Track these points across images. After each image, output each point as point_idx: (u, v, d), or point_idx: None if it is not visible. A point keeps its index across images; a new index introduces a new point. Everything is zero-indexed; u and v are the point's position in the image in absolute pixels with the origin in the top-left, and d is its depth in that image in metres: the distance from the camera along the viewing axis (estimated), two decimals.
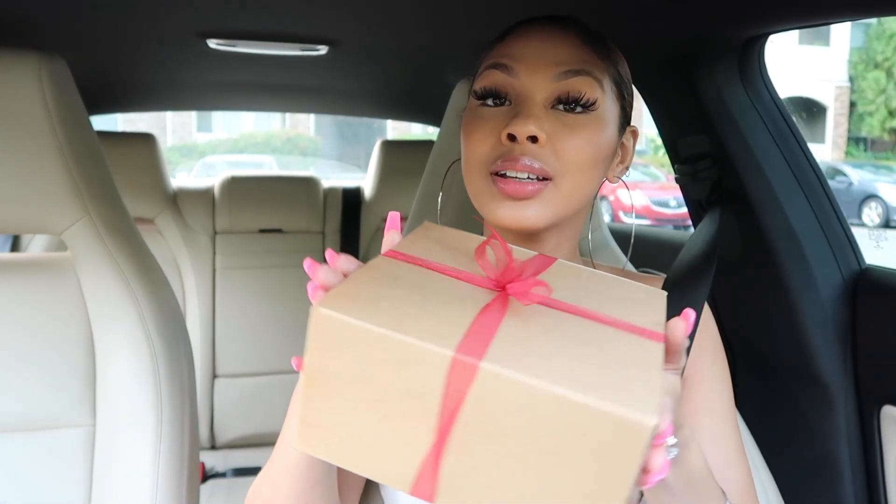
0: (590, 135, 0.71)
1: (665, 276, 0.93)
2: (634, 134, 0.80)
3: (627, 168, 0.80)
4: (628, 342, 0.53)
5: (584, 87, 0.71)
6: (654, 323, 0.56)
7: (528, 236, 0.75)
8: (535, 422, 0.48)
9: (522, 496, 0.49)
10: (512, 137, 0.70)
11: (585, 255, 0.86)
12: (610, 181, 0.79)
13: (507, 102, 0.73)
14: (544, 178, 0.70)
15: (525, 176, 0.70)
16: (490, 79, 0.73)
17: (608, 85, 0.74)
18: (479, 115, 0.73)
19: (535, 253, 0.63)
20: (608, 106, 0.74)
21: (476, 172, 0.73)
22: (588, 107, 0.71)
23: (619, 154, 0.79)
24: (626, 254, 0.90)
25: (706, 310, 0.84)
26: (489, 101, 0.73)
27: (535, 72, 0.71)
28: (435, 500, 0.51)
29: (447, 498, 0.51)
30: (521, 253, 0.64)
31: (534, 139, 0.69)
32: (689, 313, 0.55)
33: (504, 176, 0.70)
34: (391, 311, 0.52)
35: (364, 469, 0.53)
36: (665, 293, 0.61)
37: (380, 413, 0.51)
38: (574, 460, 0.47)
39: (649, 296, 0.60)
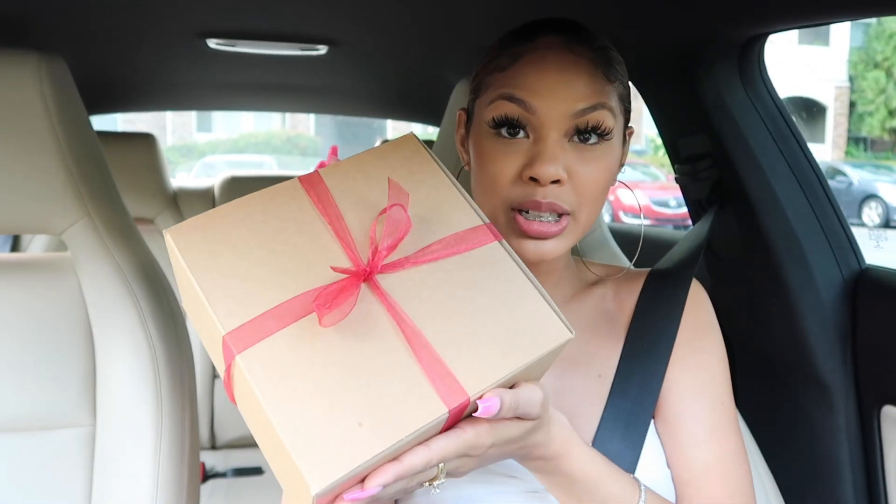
0: (605, 163, 0.74)
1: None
2: (631, 133, 0.82)
3: (623, 165, 0.81)
4: (416, 389, 0.55)
5: (601, 119, 0.73)
6: (482, 377, 0.57)
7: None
8: (263, 422, 0.53)
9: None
10: (534, 179, 0.71)
11: (576, 253, 0.87)
12: (612, 184, 0.81)
13: (521, 132, 0.73)
14: (563, 214, 0.73)
15: (548, 216, 0.72)
16: (504, 110, 0.73)
17: (617, 106, 0.75)
18: (496, 146, 0.74)
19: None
20: (617, 129, 0.76)
21: (496, 205, 0.74)
22: (604, 136, 0.73)
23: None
24: (633, 255, 0.90)
25: (702, 292, 0.86)
26: (504, 132, 0.74)
27: (553, 108, 0.72)
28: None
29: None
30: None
31: (556, 181, 0.71)
32: (486, 408, 0.56)
33: (526, 212, 0.72)
34: (222, 263, 0.56)
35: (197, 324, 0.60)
36: (564, 338, 0.61)
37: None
38: (277, 467, 0.55)
39: (541, 332, 0.61)
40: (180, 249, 0.56)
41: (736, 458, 0.78)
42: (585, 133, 0.73)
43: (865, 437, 1.20)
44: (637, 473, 0.75)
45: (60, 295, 1.01)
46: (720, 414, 0.79)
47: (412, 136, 0.67)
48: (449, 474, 0.59)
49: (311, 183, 0.63)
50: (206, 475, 2.46)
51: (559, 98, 0.72)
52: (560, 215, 0.72)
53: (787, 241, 1.21)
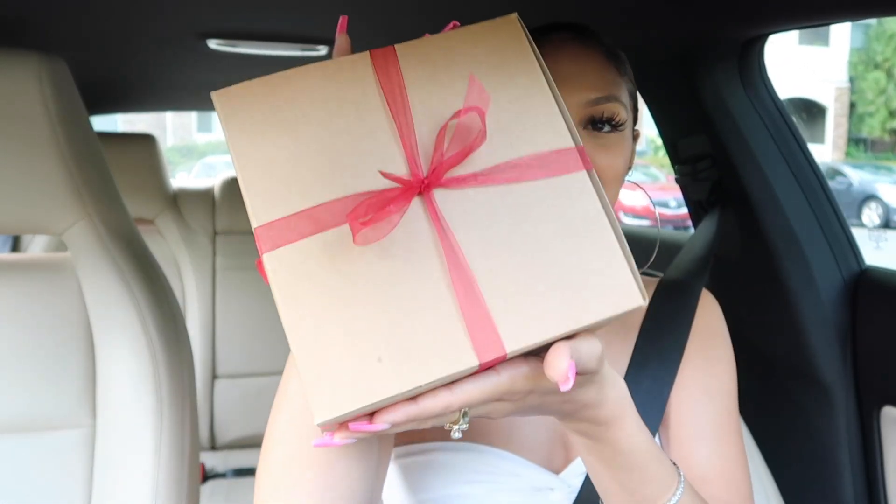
0: (620, 151, 0.75)
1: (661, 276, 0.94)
2: (637, 136, 0.83)
3: (630, 168, 0.82)
4: (446, 335, 0.47)
5: (614, 110, 0.74)
6: (532, 330, 0.48)
7: None
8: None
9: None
10: None
11: None
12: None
13: None
14: None
15: None
16: None
17: (627, 101, 0.77)
18: None
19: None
20: (629, 122, 0.77)
21: None
22: (617, 127, 0.75)
23: None
24: (647, 261, 0.91)
25: (713, 302, 0.87)
26: None
27: (569, 96, 0.73)
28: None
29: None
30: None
31: None
32: (565, 383, 0.47)
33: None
34: (267, 144, 0.50)
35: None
36: (634, 304, 0.50)
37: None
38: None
39: (609, 290, 0.50)
40: (225, 116, 0.50)
41: (738, 463, 0.78)
42: (600, 123, 0.74)
43: (865, 437, 1.20)
44: None
45: (60, 295, 1.01)
46: (726, 421, 0.79)
47: (515, 18, 0.55)
48: (482, 416, 0.53)
49: (384, 61, 0.53)
50: (206, 476, 2.46)
51: (574, 87, 0.73)
52: None
53: (787, 242, 1.21)
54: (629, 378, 0.79)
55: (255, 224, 0.48)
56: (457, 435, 0.51)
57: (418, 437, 0.77)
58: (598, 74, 0.75)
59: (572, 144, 0.52)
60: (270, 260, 0.47)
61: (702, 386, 0.80)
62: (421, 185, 0.49)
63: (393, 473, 0.80)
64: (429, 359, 0.47)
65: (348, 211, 0.47)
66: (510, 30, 0.55)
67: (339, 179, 0.49)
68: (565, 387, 0.46)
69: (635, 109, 0.81)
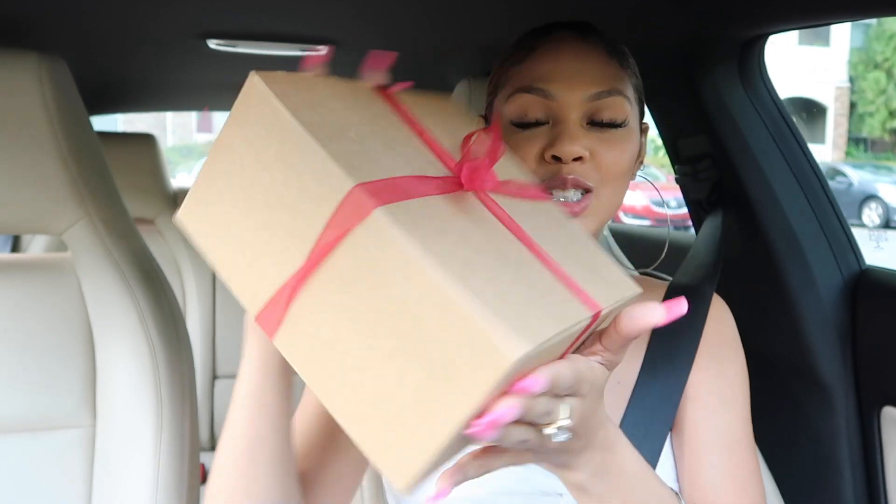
0: (625, 147, 0.75)
1: (669, 280, 0.93)
2: (646, 129, 0.83)
3: (642, 163, 0.82)
4: (557, 290, 0.48)
5: (617, 106, 0.74)
6: (600, 297, 0.51)
7: None
8: (402, 297, 0.41)
9: (357, 370, 0.43)
10: (557, 158, 0.72)
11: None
12: (631, 179, 0.81)
13: (540, 122, 0.75)
14: (587, 191, 0.73)
15: (571, 193, 0.73)
16: (525, 104, 0.75)
17: (632, 95, 0.77)
18: (517, 136, 0.75)
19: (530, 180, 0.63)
20: (633, 117, 0.77)
21: None
22: (621, 125, 0.75)
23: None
24: (635, 256, 0.91)
25: (725, 308, 0.86)
26: (525, 123, 0.75)
27: (571, 92, 0.73)
28: (274, 336, 0.46)
29: (286, 339, 0.45)
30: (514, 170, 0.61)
31: (578, 158, 0.72)
32: (678, 305, 0.49)
33: (550, 193, 0.73)
34: (327, 122, 0.47)
35: (223, 270, 0.47)
36: (637, 292, 0.57)
37: (262, 218, 0.45)
38: (421, 357, 0.41)
39: (619, 281, 0.56)
40: (277, 95, 0.46)
41: (752, 472, 0.77)
42: (602, 121, 0.74)
43: (865, 437, 1.20)
44: None
45: (60, 295, 1.01)
46: (739, 430, 0.78)
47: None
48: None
49: (386, 94, 0.56)
50: (206, 476, 2.45)
51: (575, 82, 0.73)
52: (584, 193, 0.73)
53: (787, 242, 1.21)
54: (640, 383, 0.78)
55: (350, 182, 0.43)
56: (562, 437, 0.48)
57: None
58: (600, 69, 0.74)
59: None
60: (386, 213, 0.42)
61: (716, 393, 0.79)
62: (472, 185, 0.51)
63: (384, 483, 0.80)
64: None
65: (446, 183, 0.49)
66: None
67: (405, 163, 0.49)
68: (678, 310, 0.48)
69: (642, 104, 0.80)
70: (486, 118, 0.82)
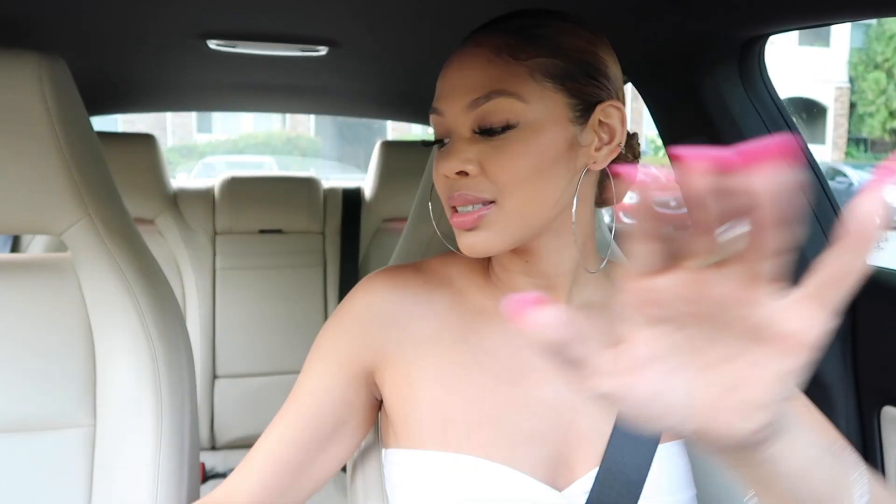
0: (519, 149, 0.70)
1: None
2: (616, 107, 0.74)
3: (620, 145, 0.74)
4: None
5: (501, 109, 0.70)
6: None
7: (520, 254, 0.77)
8: None
9: None
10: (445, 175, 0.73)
11: (602, 251, 0.87)
12: (594, 168, 0.74)
13: (444, 142, 0.76)
14: (491, 202, 0.72)
15: (469, 208, 0.72)
16: (434, 124, 0.77)
17: (535, 85, 0.70)
18: (436, 157, 0.77)
19: None
20: (539, 109, 0.70)
21: (446, 207, 0.76)
22: (512, 126, 0.70)
23: (598, 138, 0.73)
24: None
25: None
26: (434, 144, 0.77)
27: (452, 106, 0.73)
28: None
29: None
30: None
31: (463, 173, 0.72)
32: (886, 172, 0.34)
33: (456, 210, 0.73)
34: None
35: None
36: None
37: None
38: None
39: None
40: None
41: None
42: (488, 130, 0.71)
43: (865, 437, 1.20)
44: (642, 500, 0.73)
45: (60, 295, 1.01)
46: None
47: None
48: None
49: None
50: (206, 476, 2.46)
51: (455, 94, 0.72)
52: (484, 205, 0.71)
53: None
54: None
55: None
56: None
57: (418, 443, 0.76)
58: (479, 72, 0.71)
59: None
60: None
61: None
62: None
63: (390, 477, 0.80)
64: None
65: None
66: None
67: None
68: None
69: (582, 86, 0.72)
70: None
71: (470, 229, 0.72)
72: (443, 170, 0.73)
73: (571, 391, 0.76)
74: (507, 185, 0.70)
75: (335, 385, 0.81)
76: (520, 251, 0.77)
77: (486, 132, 0.71)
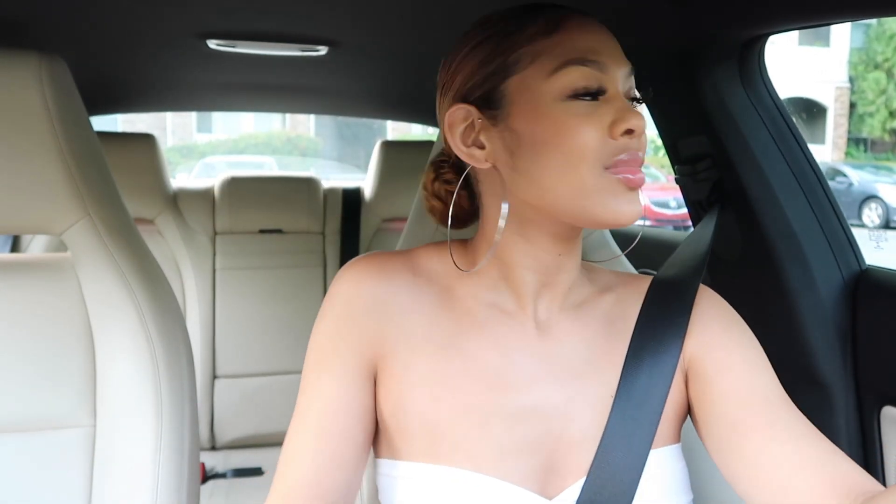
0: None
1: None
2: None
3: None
4: None
5: (633, 85, 0.74)
6: None
7: (570, 240, 0.76)
8: None
9: None
10: (629, 132, 0.69)
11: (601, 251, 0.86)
12: None
13: (592, 97, 0.71)
14: None
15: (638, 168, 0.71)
16: (582, 75, 0.69)
17: None
18: (577, 112, 0.69)
19: None
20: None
21: (587, 173, 0.69)
22: (638, 101, 0.74)
23: None
24: (634, 256, 0.90)
25: (714, 295, 0.83)
26: (584, 97, 0.70)
27: (619, 67, 0.72)
28: None
29: None
30: None
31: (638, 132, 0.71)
32: None
33: (620, 172, 0.70)
34: None
35: None
36: None
37: None
38: None
39: None
40: None
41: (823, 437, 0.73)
42: (634, 97, 0.74)
43: (865, 437, 1.20)
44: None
45: (60, 295, 1.01)
46: (780, 392, 0.76)
47: None
48: None
49: None
50: (206, 476, 2.46)
51: (619, 58, 0.73)
52: None
53: (787, 242, 1.21)
54: (625, 376, 0.75)
55: None
56: None
57: (407, 455, 0.74)
58: (620, 47, 0.75)
59: None
60: None
61: (740, 358, 0.76)
62: None
63: (381, 488, 0.78)
64: None
65: None
66: None
67: None
68: None
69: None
70: (487, 99, 0.75)
71: (637, 190, 0.71)
72: (636, 125, 0.69)
73: (561, 397, 0.75)
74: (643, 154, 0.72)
75: (353, 397, 0.75)
76: (573, 235, 0.76)
77: (631, 101, 0.73)
